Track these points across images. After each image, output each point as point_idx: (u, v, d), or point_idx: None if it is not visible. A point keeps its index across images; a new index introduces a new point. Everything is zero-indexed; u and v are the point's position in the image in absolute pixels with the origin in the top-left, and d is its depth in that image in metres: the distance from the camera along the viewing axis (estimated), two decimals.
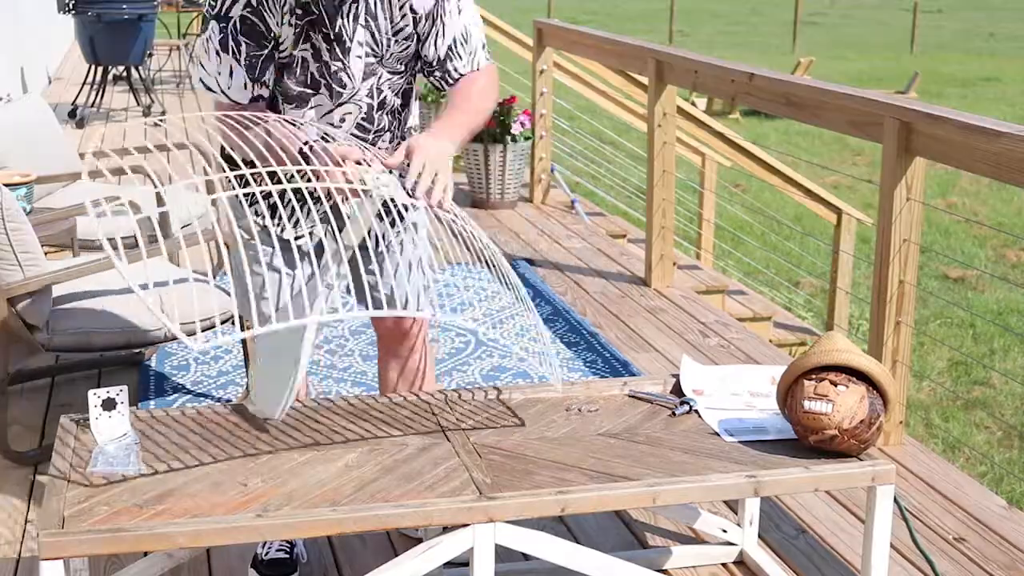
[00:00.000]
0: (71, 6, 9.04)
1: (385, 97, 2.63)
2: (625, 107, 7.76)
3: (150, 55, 10.11)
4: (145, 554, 2.65)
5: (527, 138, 6.83)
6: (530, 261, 5.73)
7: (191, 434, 2.50)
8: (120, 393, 2.44)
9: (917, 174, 3.56)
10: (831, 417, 2.41)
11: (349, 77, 2.56)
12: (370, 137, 2.64)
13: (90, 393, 2.43)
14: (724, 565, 2.96)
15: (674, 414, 2.68)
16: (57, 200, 4.74)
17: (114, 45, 9.23)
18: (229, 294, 2.65)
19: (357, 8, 2.50)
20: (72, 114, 9.46)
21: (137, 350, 3.71)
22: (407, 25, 2.56)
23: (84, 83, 9.64)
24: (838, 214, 6.92)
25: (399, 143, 2.68)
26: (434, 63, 2.62)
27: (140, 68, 9.68)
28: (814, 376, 2.47)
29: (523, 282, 5.27)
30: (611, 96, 7.73)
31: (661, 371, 4.32)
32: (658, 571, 2.74)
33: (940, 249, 10.02)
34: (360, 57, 2.55)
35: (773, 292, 8.23)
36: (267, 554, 2.86)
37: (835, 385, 2.44)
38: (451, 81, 2.64)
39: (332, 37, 2.49)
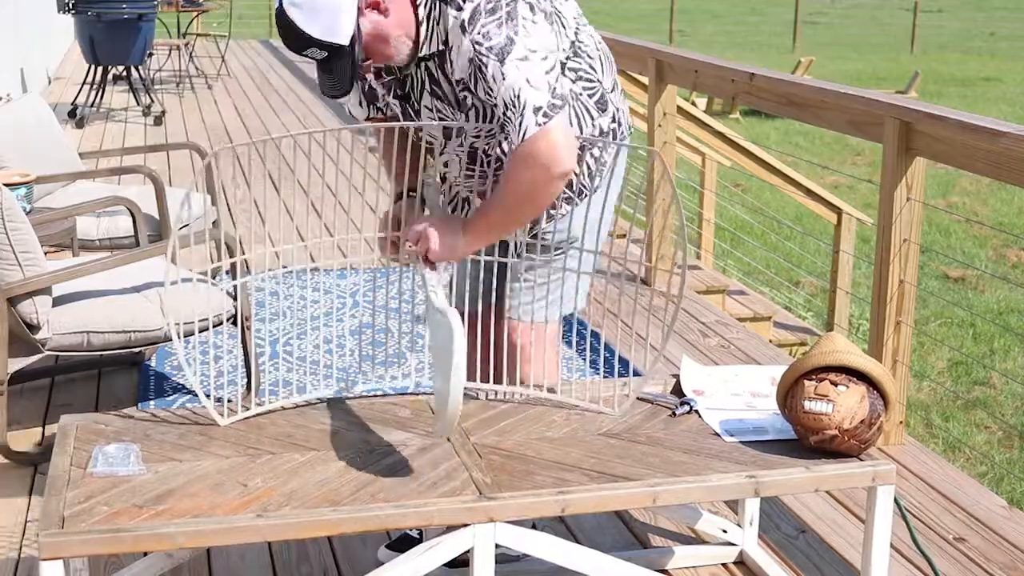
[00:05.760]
0: (71, 6, 9.04)
1: (480, 150, 2.61)
2: None
3: (150, 55, 10.11)
4: (145, 554, 2.65)
5: None
6: None
7: (191, 434, 2.49)
8: None
9: (917, 174, 3.56)
10: (831, 417, 2.41)
11: (432, 137, 2.65)
12: (479, 170, 2.64)
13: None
14: (724, 565, 2.96)
15: (674, 414, 2.67)
16: (57, 200, 4.74)
17: (114, 45, 9.23)
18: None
19: (425, 82, 2.57)
20: (72, 114, 9.46)
21: (137, 350, 3.70)
22: (467, 96, 2.52)
23: (84, 83, 9.64)
24: (838, 214, 6.92)
25: None
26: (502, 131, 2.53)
27: (140, 68, 9.68)
28: (814, 376, 2.47)
29: None
30: None
31: (661, 371, 4.32)
32: (658, 571, 2.73)
33: (940, 249, 10.02)
34: (433, 119, 2.60)
35: (773, 292, 8.22)
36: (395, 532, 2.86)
37: (835, 385, 2.43)
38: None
39: (405, 101, 2.64)
